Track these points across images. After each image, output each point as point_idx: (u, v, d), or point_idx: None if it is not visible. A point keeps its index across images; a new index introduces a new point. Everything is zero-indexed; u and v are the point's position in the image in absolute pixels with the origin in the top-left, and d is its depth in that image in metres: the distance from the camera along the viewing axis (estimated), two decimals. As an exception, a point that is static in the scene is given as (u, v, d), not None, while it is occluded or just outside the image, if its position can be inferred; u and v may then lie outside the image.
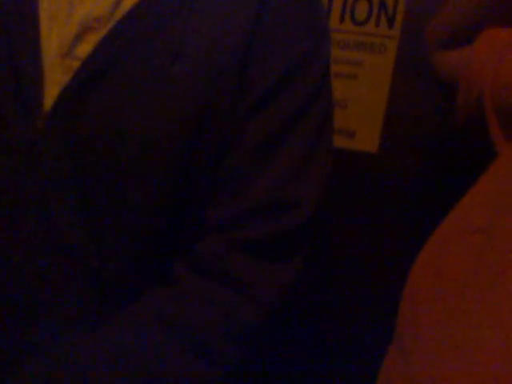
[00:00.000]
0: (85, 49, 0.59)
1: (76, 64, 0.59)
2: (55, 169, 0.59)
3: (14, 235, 0.60)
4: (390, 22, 1.03)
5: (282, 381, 1.08)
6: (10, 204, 0.60)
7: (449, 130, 1.00)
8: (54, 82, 0.59)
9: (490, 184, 0.63)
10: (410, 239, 1.07)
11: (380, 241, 1.12)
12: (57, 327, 0.61)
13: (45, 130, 0.59)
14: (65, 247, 0.59)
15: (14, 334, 0.61)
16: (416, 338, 0.58)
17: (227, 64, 0.60)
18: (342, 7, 1.05)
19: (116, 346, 0.59)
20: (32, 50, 0.59)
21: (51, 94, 0.59)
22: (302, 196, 0.63)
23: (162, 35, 0.59)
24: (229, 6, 0.61)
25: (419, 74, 1.03)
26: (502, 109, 0.61)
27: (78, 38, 0.60)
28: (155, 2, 0.60)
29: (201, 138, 0.60)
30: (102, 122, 0.58)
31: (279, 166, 0.63)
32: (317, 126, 0.65)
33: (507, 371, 0.49)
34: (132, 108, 0.59)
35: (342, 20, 1.05)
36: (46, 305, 0.60)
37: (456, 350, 0.53)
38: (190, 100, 0.59)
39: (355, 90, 1.05)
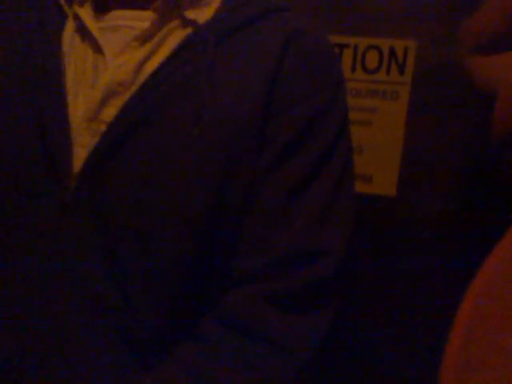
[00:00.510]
0: (110, 113, 0.61)
1: (102, 127, 0.61)
2: (84, 228, 0.60)
3: (45, 295, 0.60)
4: (401, 68, 1.05)
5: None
6: (41, 264, 0.60)
7: (468, 169, 1.01)
8: (82, 144, 0.61)
9: None
10: (429, 281, 1.07)
11: (399, 284, 1.11)
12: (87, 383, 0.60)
13: (74, 192, 0.60)
14: (95, 305, 0.60)
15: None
16: None
17: (247, 121, 0.61)
18: (352, 57, 1.08)
19: None
20: (60, 115, 0.61)
21: (79, 156, 0.60)
22: (330, 245, 0.63)
23: (183, 98, 0.61)
24: (247, 64, 0.63)
25: (433, 117, 1.05)
26: None
27: (103, 102, 0.61)
28: (176, 66, 0.62)
29: (225, 194, 0.61)
30: (129, 182, 0.60)
31: (304, 216, 0.63)
32: (338, 174, 0.65)
33: None
34: (156, 169, 0.60)
35: (353, 69, 1.08)
36: (77, 361, 0.60)
37: None
38: (212, 160, 0.60)
39: (370, 135, 1.07)
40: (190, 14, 0.65)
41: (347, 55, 1.08)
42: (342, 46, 1.07)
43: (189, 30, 0.65)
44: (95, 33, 0.65)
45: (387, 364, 1.08)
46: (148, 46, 0.64)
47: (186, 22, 0.65)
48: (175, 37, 0.65)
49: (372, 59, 1.07)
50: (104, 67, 0.63)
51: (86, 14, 0.66)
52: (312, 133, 0.64)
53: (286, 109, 0.63)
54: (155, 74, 0.62)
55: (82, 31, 0.66)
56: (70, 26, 0.67)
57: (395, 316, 1.10)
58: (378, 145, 1.07)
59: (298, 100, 0.64)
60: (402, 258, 1.12)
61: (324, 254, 0.63)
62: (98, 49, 0.64)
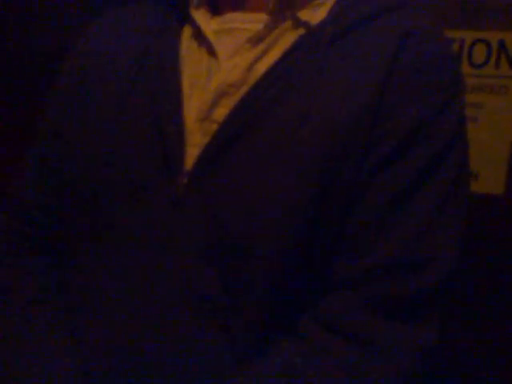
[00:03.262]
0: (221, 113, 0.62)
1: (214, 127, 0.61)
2: (193, 225, 0.61)
3: (152, 290, 0.61)
4: (511, 62, 1.01)
5: None
6: (150, 258, 0.62)
7: None
8: (194, 144, 0.62)
9: None
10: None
11: (507, 284, 1.07)
12: (184, 378, 0.61)
13: (186, 189, 0.61)
14: (198, 300, 0.60)
15: (139, 378, 0.61)
16: None
17: (356, 123, 0.59)
18: (458, 51, 1.04)
19: None
20: (175, 115, 0.63)
21: (191, 155, 0.61)
22: (440, 251, 0.60)
23: (292, 98, 0.60)
24: (359, 66, 0.61)
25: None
26: None
27: (215, 103, 0.62)
28: (287, 67, 0.62)
29: (329, 196, 0.60)
30: (238, 181, 0.60)
31: (413, 220, 0.60)
32: (452, 178, 0.62)
33: None
34: (265, 169, 0.59)
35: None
36: (176, 357, 0.61)
37: None
38: (316, 162, 0.59)
39: (477, 132, 1.03)
40: (303, 15, 0.65)
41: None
42: (447, 41, 1.04)
43: (301, 32, 0.64)
44: (210, 36, 0.66)
45: None
46: (260, 48, 0.64)
47: (299, 23, 0.65)
48: (287, 38, 0.64)
49: (480, 53, 1.03)
50: (217, 69, 0.64)
51: (201, 17, 0.67)
52: (425, 135, 0.61)
53: (396, 112, 0.61)
54: (266, 74, 0.62)
55: (198, 35, 0.67)
56: (187, 30, 0.68)
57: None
58: (484, 141, 1.03)
59: (410, 101, 0.61)
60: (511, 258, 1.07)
61: (433, 261, 0.60)
62: (212, 51, 0.65)
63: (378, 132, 0.60)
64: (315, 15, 0.66)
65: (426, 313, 0.60)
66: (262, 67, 0.63)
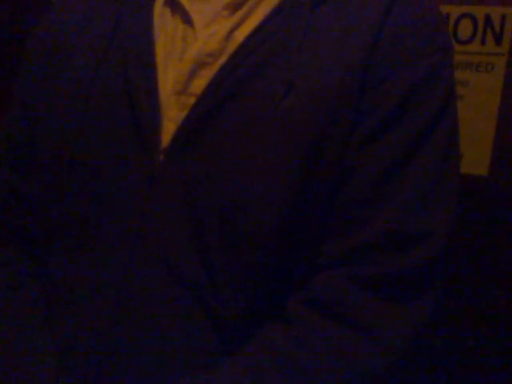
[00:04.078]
0: (199, 84, 0.58)
1: (191, 100, 0.58)
2: (172, 202, 0.58)
3: (131, 268, 0.59)
4: (497, 38, 0.97)
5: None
6: (128, 236, 0.60)
7: None
8: (171, 118, 0.59)
9: None
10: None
11: (492, 264, 1.06)
12: (172, 365, 0.59)
13: (163, 165, 0.58)
14: (181, 280, 0.58)
15: (127, 368, 0.60)
16: None
17: (343, 90, 0.57)
18: (443, 27, 1.01)
19: None
20: (149, 88, 0.60)
21: (168, 130, 0.59)
22: (432, 226, 0.58)
23: (274, 67, 0.58)
24: (345, 29, 0.59)
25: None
26: None
27: (193, 74, 0.59)
28: (267, 33, 0.59)
29: (316, 168, 0.57)
30: (218, 155, 0.57)
31: (403, 194, 0.58)
32: (443, 149, 0.60)
33: None
34: (246, 141, 0.57)
35: (443, 40, 1.01)
36: (161, 345, 0.59)
37: None
38: (304, 132, 0.56)
39: (462, 111, 0.99)
40: None
41: (437, 25, 1.01)
42: (432, 16, 1.00)
43: None
44: (184, 3, 0.62)
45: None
46: (239, 14, 0.61)
47: None
48: (267, 4, 0.61)
49: (465, 29, 1.00)
50: (193, 38, 0.61)
51: None
52: (414, 102, 0.58)
53: (385, 76, 0.58)
54: (246, 42, 0.58)
55: (172, 2, 0.63)
56: None
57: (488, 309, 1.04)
58: (469, 121, 1.00)
59: (399, 67, 0.58)
60: (494, 240, 1.05)
61: (426, 237, 0.57)
62: (187, 20, 0.62)
63: (367, 99, 0.58)
64: None
65: (419, 290, 0.58)
66: (242, 35, 0.60)
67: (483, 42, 0.99)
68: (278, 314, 0.60)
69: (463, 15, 1.00)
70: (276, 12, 0.60)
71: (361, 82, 0.57)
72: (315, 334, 0.57)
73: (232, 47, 0.59)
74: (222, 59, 0.59)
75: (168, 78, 0.60)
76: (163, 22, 0.63)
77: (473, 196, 1.03)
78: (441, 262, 0.59)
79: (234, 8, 0.61)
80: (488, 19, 0.98)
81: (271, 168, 0.57)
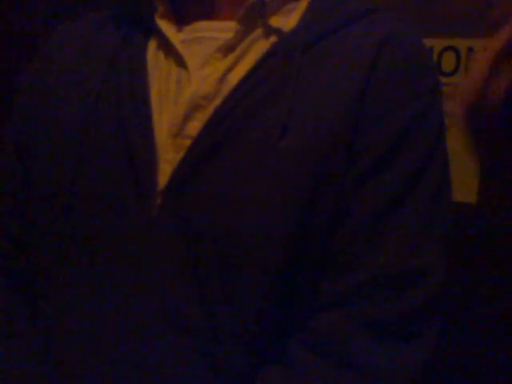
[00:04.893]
0: (194, 127, 0.59)
1: (187, 142, 0.58)
2: (171, 246, 0.58)
3: (128, 313, 0.59)
4: (480, 70, 1.00)
5: None
6: (126, 279, 0.59)
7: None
8: (167, 160, 0.59)
9: None
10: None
11: (481, 292, 1.06)
12: None
13: (160, 208, 0.58)
14: (180, 327, 0.58)
15: None
16: None
17: (336, 133, 0.57)
18: (427, 59, 1.03)
19: None
20: (145, 130, 0.59)
21: (165, 172, 0.58)
22: (429, 264, 0.58)
23: (269, 109, 0.58)
24: (336, 72, 0.59)
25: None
26: None
27: (188, 116, 0.59)
28: (260, 77, 0.59)
29: (312, 210, 0.57)
30: (214, 197, 0.57)
31: (398, 234, 0.58)
32: (436, 187, 0.60)
33: None
34: (243, 183, 0.57)
35: (428, 72, 1.03)
36: (155, 382, 0.58)
37: None
38: (299, 174, 0.57)
39: (448, 141, 1.01)
40: (275, 22, 0.62)
41: (422, 58, 1.03)
42: (416, 49, 1.02)
43: (273, 39, 0.62)
44: (178, 46, 0.62)
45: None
46: (231, 57, 0.61)
47: (271, 31, 0.62)
48: (259, 46, 0.62)
49: (449, 61, 1.02)
50: (187, 81, 0.61)
51: (168, 27, 0.64)
52: (405, 143, 0.59)
53: (377, 119, 0.59)
54: (239, 85, 0.59)
55: (166, 45, 0.64)
56: (153, 40, 0.65)
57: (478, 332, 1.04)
58: (456, 150, 1.02)
59: (390, 109, 0.59)
60: (484, 268, 1.06)
61: (423, 275, 0.58)
62: (181, 62, 0.62)
63: (360, 142, 0.59)
64: (287, 21, 0.63)
65: (418, 330, 0.58)
66: (235, 78, 0.60)
67: (467, 74, 1.01)
68: (279, 357, 0.59)
69: (446, 48, 1.02)
70: (268, 55, 0.60)
71: (353, 124, 0.58)
72: (316, 376, 0.57)
73: (226, 90, 0.60)
74: (216, 102, 0.59)
75: (163, 121, 0.61)
76: (157, 64, 0.64)
77: (462, 224, 1.05)
78: (439, 298, 0.59)
79: (227, 51, 0.62)
80: (471, 51, 1.01)
81: (268, 209, 0.57)
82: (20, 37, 1.14)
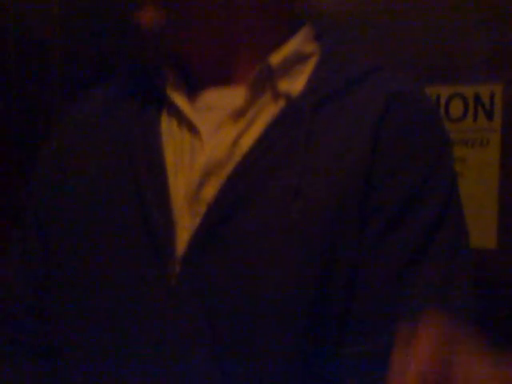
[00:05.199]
0: (209, 192, 0.59)
1: (203, 208, 0.59)
2: (189, 313, 0.57)
3: (148, 380, 0.58)
4: (488, 115, 1.00)
5: None
6: (144, 351, 0.58)
7: None
8: (184, 227, 0.59)
9: None
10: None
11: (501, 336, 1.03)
12: None
13: (179, 277, 0.58)
14: None
15: None
16: None
17: (349, 193, 0.58)
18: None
19: None
20: (161, 198, 0.60)
21: (182, 238, 0.58)
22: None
23: (280, 173, 0.59)
24: (346, 132, 0.60)
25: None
26: None
27: (202, 182, 0.60)
28: (271, 142, 0.60)
29: (330, 272, 0.57)
30: (232, 262, 0.57)
31: (422, 290, 0.57)
32: (453, 238, 0.60)
33: None
34: (260, 247, 0.57)
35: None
36: None
37: None
38: (314, 236, 0.57)
39: (463, 187, 1.01)
40: (282, 86, 0.63)
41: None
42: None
43: (282, 103, 0.63)
44: (190, 115, 0.64)
45: None
46: (242, 122, 0.62)
47: (279, 95, 0.63)
48: (269, 110, 0.63)
49: (456, 107, 1.03)
50: (200, 147, 0.62)
51: (179, 97, 0.65)
52: (420, 199, 0.59)
53: (389, 176, 0.59)
54: (250, 151, 0.60)
55: (177, 113, 0.65)
56: (166, 109, 0.66)
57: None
58: (471, 196, 1.01)
59: (401, 166, 0.60)
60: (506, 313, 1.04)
61: None
62: (194, 130, 0.63)
63: (374, 201, 0.59)
64: (294, 85, 0.64)
65: None
66: (246, 143, 0.61)
67: (475, 119, 1.02)
68: None
69: (453, 95, 1.03)
70: (278, 119, 0.61)
71: (365, 183, 0.58)
72: None
73: (238, 155, 0.60)
74: (229, 167, 0.60)
75: (179, 187, 0.61)
76: (171, 132, 0.65)
77: (483, 270, 1.03)
78: None
79: (238, 116, 0.63)
80: (478, 97, 1.01)
81: (285, 275, 0.57)
82: (37, 105, 1.17)
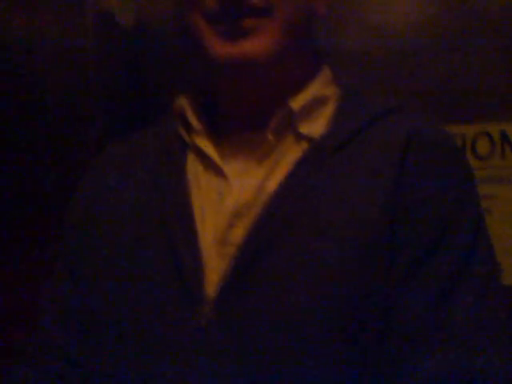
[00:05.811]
0: (237, 234, 0.61)
1: (231, 250, 0.60)
2: (221, 354, 0.58)
3: None
4: (516, 151, 1.01)
5: None
6: None
7: None
8: (213, 268, 0.60)
9: None
10: None
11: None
12: None
13: (209, 319, 0.58)
14: None
15: None
16: None
17: (375, 231, 0.58)
18: (462, 145, 1.05)
19: None
20: (190, 241, 0.61)
21: (211, 281, 0.59)
22: (495, 356, 0.56)
23: (306, 214, 0.60)
24: (366, 173, 0.61)
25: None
26: None
27: (231, 224, 0.61)
28: (295, 184, 0.62)
29: (362, 312, 0.57)
30: (264, 304, 0.58)
31: (457, 326, 0.57)
32: (485, 273, 0.59)
33: None
34: (288, 289, 0.58)
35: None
36: None
37: None
38: (344, 277, 0.57)
39: (493, 224, 1.01)
40: (304, 129, 0.65)
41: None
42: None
43: (304, 145, 0.65)
44: (216, 160, 0.66)
45: None
46: (266, 165, 0.64)
47: (301, 138, 0.65)
48: (292, 153, 0.65)
49: (483, 146, 1.03)
50: (228, 190, 0.64)
51: (205, 143, 0.68)
52: (448, 232, 0.59)
53: (414, 211, 0.59)
54: (277, 193, 0.61)
55: (204, 158, 0.67)
56: (191, 154, 0.69)
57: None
58: (502, 233, 1.01)
59: (425, 201, 0.60)
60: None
61: (490, 367, 0.56)
62: (220, 173, 0.66)
63: (401, 239, 0.59)
64: (315, 127, 0.66)
65: None
66: (272, 185, 0.63)
67: (503, 157, 1.02)
68: None
69: (479, 134, 1.04)
70: (302, 160, 0.63)
71: (390, 224, 0.59)
72: None
73: (264, 197, 0.62)
74: (257, 209, 0.62)
75: (207, 230, 0.63)
76: (197, 175, 0.67)
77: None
78: None
79: (262, 159, 0.65)
80: (504, 135, 1.02)
81: (316, 314, 0.57)
82: (73, 156, 1.21)
